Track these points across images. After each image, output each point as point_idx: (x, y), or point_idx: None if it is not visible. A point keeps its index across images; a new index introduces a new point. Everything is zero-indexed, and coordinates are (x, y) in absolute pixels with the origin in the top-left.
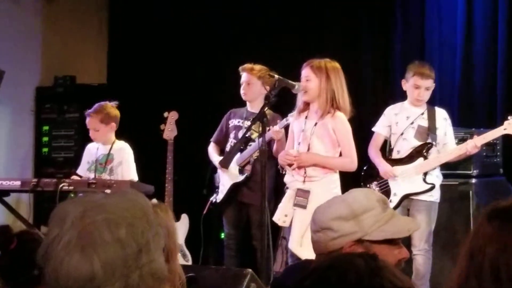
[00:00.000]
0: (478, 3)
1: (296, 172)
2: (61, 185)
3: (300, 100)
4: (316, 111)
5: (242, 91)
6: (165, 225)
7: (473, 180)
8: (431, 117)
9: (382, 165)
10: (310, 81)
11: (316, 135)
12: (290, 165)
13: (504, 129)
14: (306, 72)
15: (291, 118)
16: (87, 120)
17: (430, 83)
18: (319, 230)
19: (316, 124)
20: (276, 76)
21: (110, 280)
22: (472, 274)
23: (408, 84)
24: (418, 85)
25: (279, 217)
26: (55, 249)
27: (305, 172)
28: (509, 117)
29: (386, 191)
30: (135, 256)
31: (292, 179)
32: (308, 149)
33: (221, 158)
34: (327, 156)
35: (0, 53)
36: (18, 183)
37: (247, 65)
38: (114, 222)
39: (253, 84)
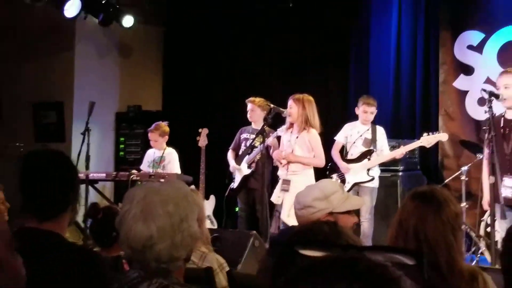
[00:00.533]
0: (404, 54)
1: (284, 166)
2: (131, 176)
3: (287, 121)
4: (297, 128)
5: (248, 115)
6: (198, 204)
7: (400, 173)
8: (373, 132)
9: (341, 163)
10: (292, 108)
11: (298, 144)
12: (281, 162)
13: (420, 142)
14: (290, 103)
15: (281, 132)
16: (149, 135)
17: (374, 109)
18: (302, 208)
19: (297, 137)
20: (272, 105)
21: (162, 239)
22: (400, 237)
23: (359, 110)
24: (366, 111)
25: (275, 198)
26: (126, 219)
27: (287, 168)
28: (424, 134)
29: (343, 180)
30: (178, 224)
31: (281, 172)
32: (292, 153)
33: (235, 163)
34: (306, 157)
35: (92, 91)
36: (103, 175)
37: (251, 98)
38: (165, 201)
39: (255, 111)
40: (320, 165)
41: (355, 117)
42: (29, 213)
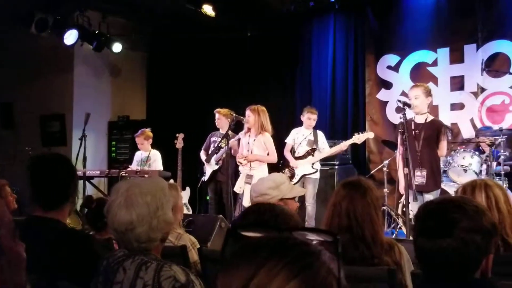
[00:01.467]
0: (338, 73)
1: (246, 165)
2: (121, 173)
3: (245, 127)
4: (254, 132)
5: (216, 123)
6: (174, 196)
7: (336, 167)
8: (315, 135)
9: (291, 160)
10: (250, 117)
11: (255, 145)
12: (241, 163)
13: (353, 140)
14: (247, 112)
15: (241, 135)
16: (136, 139)
17: (315, 117)
18: (258, 195)
19: (254, 139)
20: (234, 114)
21: (141, 223)
22: (335, 216)
23: (304, 117)
24: (310, 118)
25: (237, 188)
26: (112, 207)
27: (250, 165)
28: (354, 134)
29: (293, 174)
30: (155, 211)
31: (243, 169)
32: (251, 153)
33: (206, 158)
34: (262, 156)
35: (88, 104)
36: (98, 172)
37: (218, 109)
38: (144, 193)
39: (221, 119)
40: (274, 161)
41: (300, 123)
42: (36, 204)
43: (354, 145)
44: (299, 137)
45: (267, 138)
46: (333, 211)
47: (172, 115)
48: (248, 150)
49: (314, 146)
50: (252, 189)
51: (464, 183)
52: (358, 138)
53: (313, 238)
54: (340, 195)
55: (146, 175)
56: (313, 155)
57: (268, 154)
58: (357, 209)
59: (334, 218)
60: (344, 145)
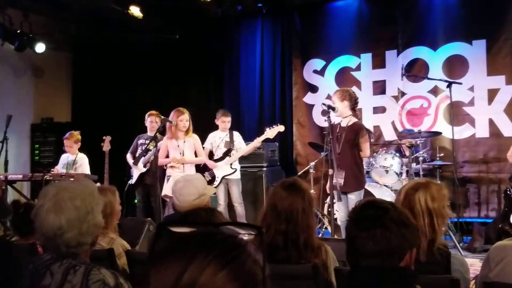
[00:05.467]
0: (266, 76)
1: (178, 168)
2: (45, 177)
3: (172, 129)
4: (183, 134)
5: (152, 126)
6: (108, 200)
7: (264, 169)
8: (231, 136)
9: (210, 163)
10: (186, 120)
11: (186, 147)
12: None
13: (265, 135)
14: (184, 116)
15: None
16: (65, 141)
17: (229, 119)
18: (198, 197)
19: (184, 141)
20: (162, 117)
21: (70, 228)
22: (272, 217)
23: (218, 121)
24: (224, 121)
25: (168, 192)
26: (41, 212)
27: (184, 168)
28: (266, 129)
29: (213, 176)
30: (84, 215)
31: (173, 172)
32: (183, 155)
33: (133, 161)
34: (196, 159)
35: (10, 106)
36: (20, 176)
37: (154, 112)
38: (73, 197)
39: (154, 122)
40: (204, 162)
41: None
42: None
43: (281, 146)
44: (216, 140)
45: (197, 140)
46: (269, 213)
47: (98, 117)
48: (180, 153)
49: (231, 147)
50: (176, 198)
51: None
52: (270, 133)
53: (239, 231)
54: (279, 197)
55: (71, 179)
56: (230, 156)
57: (196, 156)
58: (298, 213)
59: (268, 219)
60: (257, 141)
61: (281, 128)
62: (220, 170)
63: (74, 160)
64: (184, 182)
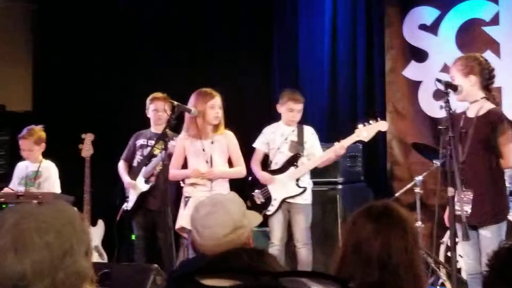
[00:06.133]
0: (340, 39)
1: (203, 184)
2: None
3: (197, 123)
4: (211, 131)
5: (157, 117)
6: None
7: (340, 186)
8: (300, 133)
9: (262, 175)
10: (218, 107)
11: (215, 151)
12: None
13: (356, 136)
14: (214, 101)
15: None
16: (21, 142)
17: (301, 107)
18: (231, 232)
19: (212, 141)
20: (176, 103)
21: (39, 278)
22: (357, 264)
23: (283, 108)
24: (292, 108)
25: (188, 223)
26: None
27: (211, 185)
28: (358, 126)
29: (268, 197)
30: (60, 258)
31: (195, 191)
32: (212, 164)
33: (129, 179)
34: (231, 170)
35: None
36: None
37: (160, 95)
38: (44, 229)
39: (159, 111)
40: (242, 174)
41: (278, 118)
42: None
43: (365, 151)
44: (276, 139)
45: (233, 140)
46: (352, 257)
47: (74, 104)
48: (207, 162)
49: (299, 152)
50: (198, 232)
51: None
52: (363, 133)
53: (311, 286)
54: (365, 232)
55: (35, 201)
56: (296, 166)
57: (231, 165)
58: (397, 257)
59: (353, 268)
60: (340, 146)
61: (382, 125)
62: (280, 187)
63: (37, 171)
64: (211, 207)
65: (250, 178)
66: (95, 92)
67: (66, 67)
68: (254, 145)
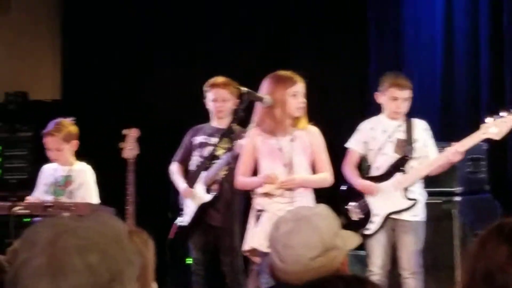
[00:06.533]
0: (458, 9)
1: (281, 195)
2: (15, 208)
3: (270, 115)
4: (289, 125)
5: (217, 109)
6: (142, 252)
7: (457, 198)
8: (409, 129)
9: (360, 182)
10: (300, 93)
11: (296, 151)
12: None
13: (483, 133)
14: (297, 86)
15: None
16: (47, 140)
17: (408, 94)
18: (320, 254)
19: (292, 139)
20: (245, 89)
21: None
22: None
23: (384, 96)
24: (396, 96)
25: (261, 243)
26: (23, 275)
27: (291, 194)
28: (487, 119)
29: (367, 212)
30: (106, 285)
31: (269, 202)
32: (292, 169)
33: (185, 185)
34: (315, 176)
35: None
36: None
37: (222, 81)
38: (85, 248)
39: (228, 101)
40: (329, 183)
41: (378, 110)
42: None
43: (491, 152)
44: (376, 137)
45: (317, 137)
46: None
47: (114, 93)
48: (285, 165)
49: (406, 153)
50: (279, 255)
51: None
52: (492, 129)
53: None
54: (496, 256)
55: (66, 213)
56: (404, 171)
57: (315, 170)
58: None
59: None
60: (461, 146)
61: None
62: (383, 200)
63: (68, 176)
64: (294, 223)
65: (342, 187)
66: (137, 78)
67: (105, 45)
68: (347, 144)
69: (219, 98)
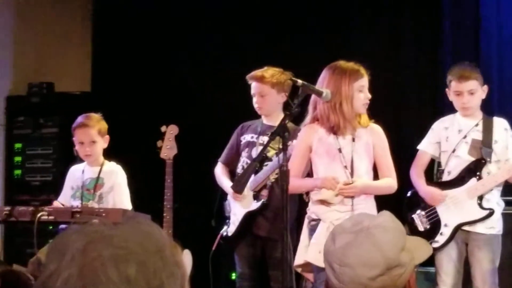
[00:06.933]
0: None
1: (340, 203)
2: (39, 215)
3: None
4: (352, 123)
5: (255, 105)
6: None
7: None
8: (487, 129)
9: (425, 188)
10: (366, 85)
11: (357, 151)
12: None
13: None
14: (362, 79)
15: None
16: (79, 132)
17: (472, 85)
18: (383, 273)
19: (353, 138)
20: (300, 81)
21: None
22: None
23: (450, 93)
24: (459, 90)
25: (316, 257)
26: (54, 286)
27: (352, 203)
28: None
29: (435, 222)
30: None
31: (325, 210)
32: (352, 172)
33: (231, 183)
34: (379, 182)
35: None
36: None
37: (257, 73)
38: (122, 258)
39: (267, 96)
40: (394, 190)
41: (451, 109)
42: None
43: None
44: (450, 137)
45: (381, 136)
46: None
47: (149, 86)
48: (345, 167)
49: (485, 157)
50: (334, 272)
51: None
52: None
53: None
54: None
55: (96, 219)
56: (480, 177)
57: (379, 175)
58: None
59: None
60: None
61: None
62: (454, 208)
63: (98, 178)
64: (353, 236)
65: (409, 194)
66: (175, 69)
67: (135, 37)
68: (419, 146)
69: (256, 93)
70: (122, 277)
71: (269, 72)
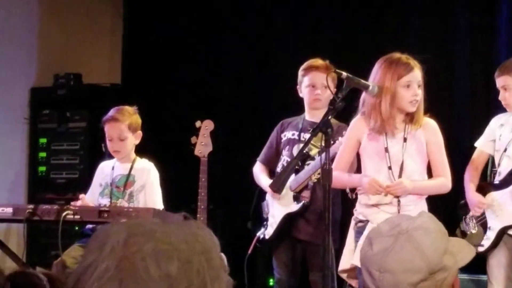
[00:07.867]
0: None
1: (389, 203)
2: (64, 213)
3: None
4: (403, 121)
5: (315, 97)
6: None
7: None
8: None
9: (469, 195)
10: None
11: (409, 151)
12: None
13: None
14: (414, 73)
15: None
16: (109, 126)
17: (504, 81)
18: (426, 277)
19: (405, 137)
20: (344, 73)
21: None
22: None
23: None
24: (502, 85)
25: (355, 260)
26: (88, 279)
27: (399, 204)
28: None
29: (483, 224)
30: None
31: (375, 211)
32: (402, 172)
33: (271, 181)
34: (431, 182)
35: None
36: (9, 210)
37: (321, 62)
38: (165, 254)
39: (327, 88)
40: (447, 189)
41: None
42: None
43: None
44: (503, 135)
45: (436, 133)
46: None
47: (183, 78)
48: (389, 168)
49: None
50: (372, 277)
51: None
52: None
53: None
54: None
55: (124, 219)
56: None
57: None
58: None
59: None
60: None
61: None
62: (500, 211)
63: (128, 175)
64: (392, 239)
65: (462, 201)
66: (210, 62)
67: (168, 28)
68: (476, 144)
69: (318, 84)
70: (162, 273)
71: (317, 62)
